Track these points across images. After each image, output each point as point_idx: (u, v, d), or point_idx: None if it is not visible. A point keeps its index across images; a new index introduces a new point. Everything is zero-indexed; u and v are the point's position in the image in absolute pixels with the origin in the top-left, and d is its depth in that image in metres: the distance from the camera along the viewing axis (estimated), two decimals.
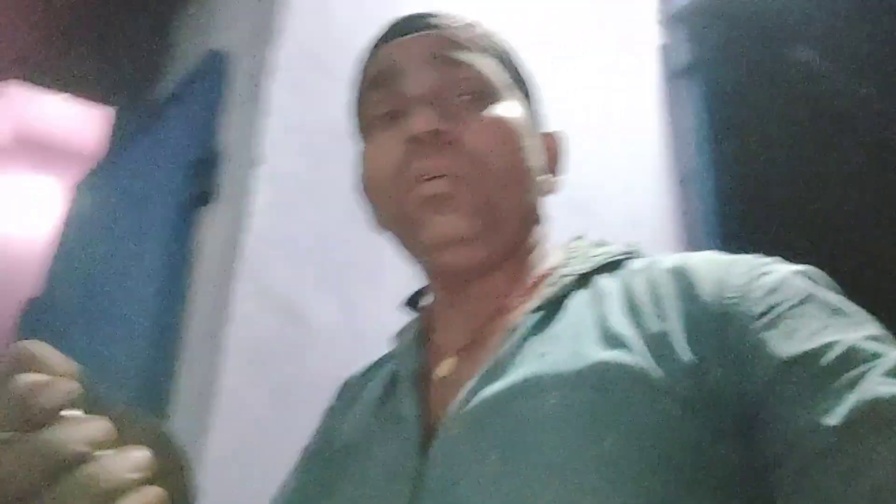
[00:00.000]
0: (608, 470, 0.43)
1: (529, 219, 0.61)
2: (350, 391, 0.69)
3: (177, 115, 1.53)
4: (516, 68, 0.65)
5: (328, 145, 1.12)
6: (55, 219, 2.24)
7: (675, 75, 1.78)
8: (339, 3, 1.23)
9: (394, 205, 0.58)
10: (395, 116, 0.59)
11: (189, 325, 1.17)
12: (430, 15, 0.62)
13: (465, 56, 0.59)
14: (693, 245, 1.55)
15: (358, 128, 0.66)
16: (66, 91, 3.82)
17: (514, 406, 0.48)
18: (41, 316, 1.99)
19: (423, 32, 0.61)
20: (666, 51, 1.81)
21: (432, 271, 0.62)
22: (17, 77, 3.74)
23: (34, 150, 4.32)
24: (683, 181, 1.67)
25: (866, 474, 0.37)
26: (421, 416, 0.54)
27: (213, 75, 1.41)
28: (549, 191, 0.66)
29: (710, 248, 1.55)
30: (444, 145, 0.56)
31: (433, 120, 0.55)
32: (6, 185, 4.20)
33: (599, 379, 0.47)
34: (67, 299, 1.77)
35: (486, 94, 0.59)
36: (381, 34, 0.64)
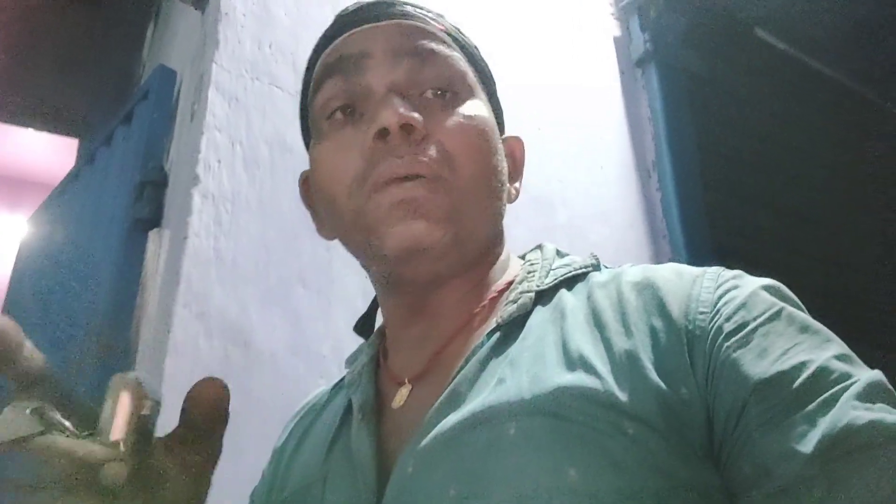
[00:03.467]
0: (572, 498, 0.40)
1: (494, 224, 0.57)
2: (301, 426, 0.65)
3: (126, 135, 1.49)
4: (482, 67, 0.61)
5: (270, 159, 1.08)
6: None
7: (631, 66, 1.76)
8: (281, 12, 1.20)
9: (352, 210, 0.53)
10: (354, 112, 0.55)
11: (138, 355, 1.13)
12: (395, 2, 0.57)
13: (434, 47, 0.55)
14: (657, 237, 1.53)
15: (310, 123, 0.61)
16: (32, 125, 3.77)
17: (472, 437, 0.45)
18: None
19: (391, 20, 0.56)
20: (620, 43, 1.79)
21: (388, 283, 0.57)
22: None
23: (2, 185, 4.26)
24: (646, 172, 1.65)
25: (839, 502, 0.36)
26: (376, 452, 0.51)
27: (160, 93, 1.37)
28: (512, 199, 0.61)
29: (674, 239, 1.52)
30: (416, 143, 0.51)
31: (405, 114, 0.50)
32: None
33: (560, 405, 0.44)
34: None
35: (455, 92, 0.55)
36: (340, 19, 0.59)
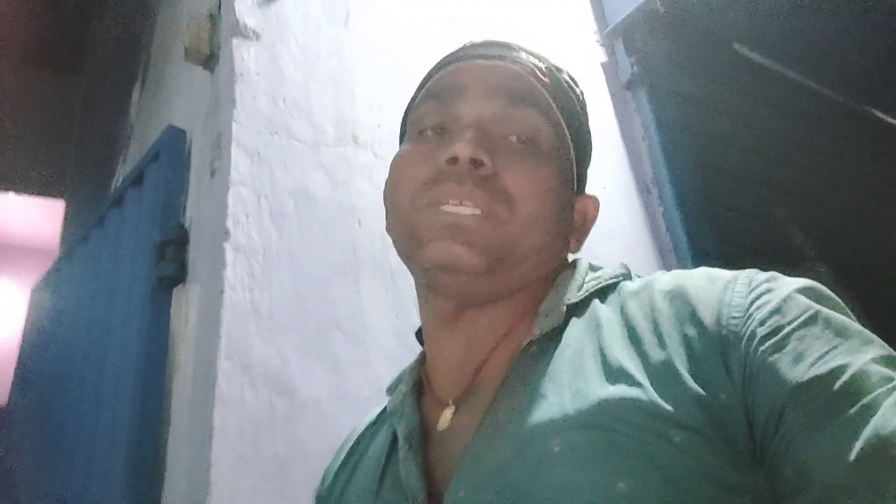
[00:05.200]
0: None
1: (543, 269, 0.59)
2: (346, 466, 0.66)
3: (137, 197, 1.51)
4: (574, 124, 0.62)
5: (295, 211, 1.11)
6: (16, 321, 2.18)
7: (621, 90, 1.83)
8: (291, 67, 1.24)
9: (407, 214, 0.57)
10: (441, 133, 0.58)
11: (174, 412, 1.13)
12: (511, 46, 0.61)
13: (529, 98, 0.58)
14: (665, 251, 1.57)
15: (403, 131, 0.65)
16: (14, 189, 3.75)
17: (519, 457, 0.46)
18: (16, 428, 1.91)
19: (499, 62, 0.59)
20: (609, 67, 1.86)
21: (427, 288, 0.60)
22: None
23: None
24: (646, 189, 1.70)
25: None
26: (424, 478, 0.52)
27: (172, 153, 1.39)
28: (573, 250, 0.64)
29: (680, 253, 1.56)
30: (481, 177, 0.54)
31: (478, 149, 0.54)
32: None
33: (604, 417, 0.45)
34: (38, 403, 1.70)
35: (534, 143, 0.57)
36: (464, 49, 0.63)
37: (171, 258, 1.25)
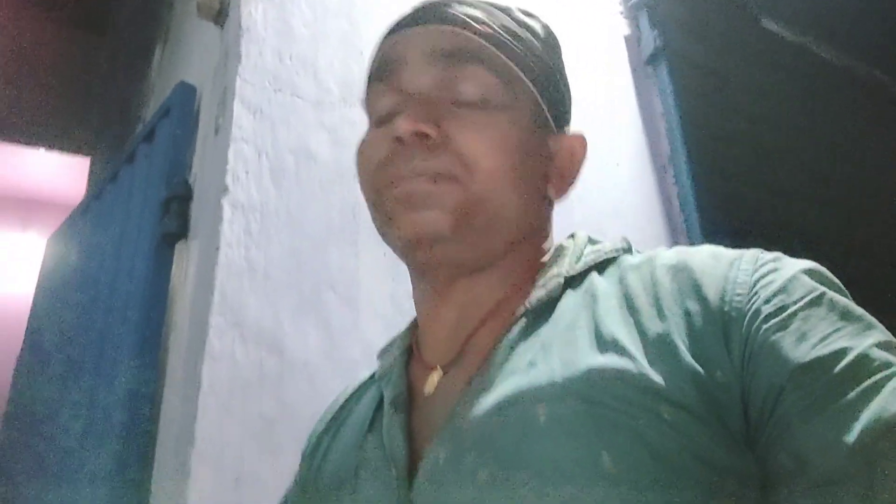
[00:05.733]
0: (607, 487, 0.40)
1: (522, 224, 0.57)
2: (332, 426, 0.66)
3: (148, 153, 1.51)
4: (531, 63, 0.59)
5: (295, 169, 1.10)
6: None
7: (642, 64, 1.77)
8: (300, 24, 1.22)
9: (372, 200, 0.56)
10: (392, 114, 0.57)
11: (168, 364, 1.14)
12: (444, 4, 0.58)
13: (468, 56, 0.56)
14: (676, 231, 1.54)
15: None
16: (42, 145, 3.82)
17: (502, 423, 0.46)
18: (29, 372, 1.96)
19: (432, 25, 0.57)
20: (631, 41, 1.80)
21: (412, 267, 0.59)
22: None
23: (15, 206, 4.30)
24: (661, 167, 1.66)
25: (881, 499, 0.35)
26: (409, 442, 0.52)
27: (182, 109, 1.39)
28: (555, 197, 0.61)
29: (692, 233, 1.53)
30: (430, 147, 0.53)
31: (418, 122, 0.52)
32: None
33: (591, 388, 0.43)
34: (50, 350, 1.73)
35: (483, 98, 0.55)
36: (398, 21, 0.61)
37: (175, 214, 1.25)
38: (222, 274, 0.98)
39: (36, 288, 2.08)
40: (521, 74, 0.58)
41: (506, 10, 0.60)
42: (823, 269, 0.48)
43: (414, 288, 0.63)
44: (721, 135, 1.69)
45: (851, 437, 0.37)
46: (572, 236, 0.61)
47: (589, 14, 1.76)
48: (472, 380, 0.50)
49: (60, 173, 4.14)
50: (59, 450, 1.39)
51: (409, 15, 0.59)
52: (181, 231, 1.24)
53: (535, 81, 0.59)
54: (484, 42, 0.57)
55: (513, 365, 0.49)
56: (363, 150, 0.58)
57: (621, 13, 1.83)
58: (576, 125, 1.71)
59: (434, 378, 0.56)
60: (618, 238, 0.59)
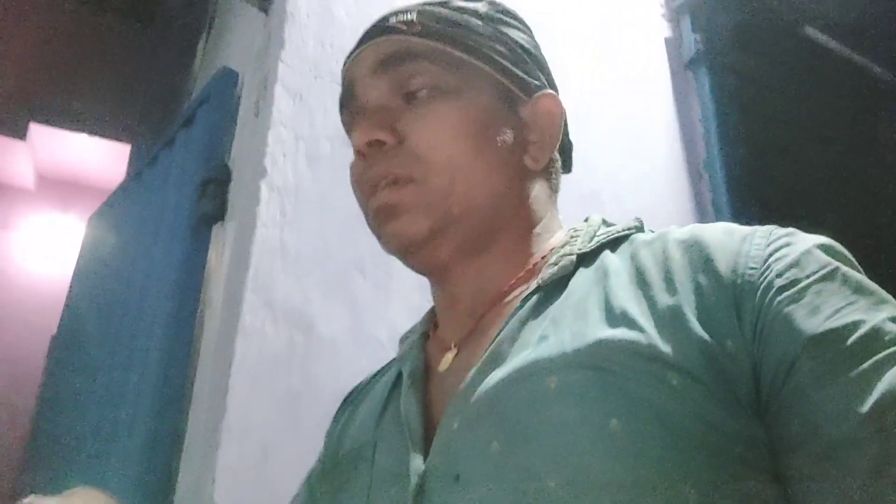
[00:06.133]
0: (616, 451, 0.41)
1: (502, 203, 0.58)
2: (352, 405, 0.68)
3: (187, 137, 1.55)
4: (482, 37, 0.59)
5: (331, 154, 1.12)
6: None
7: (682, 68, 1.76)
8: (342, 12, 1.24)
9: (365, 215, 0.60)
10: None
11: (202, 341, 1.17)
12: (382, 19, 0.61)
13: (405, 57, 0.58)
14: None
15: None
16: (86, 130, 3.93)
17: (514, 392, 0.47)
18: (62, 351, 2.02)
19: (372, 41, 0.60)
20: (671, 44, 1.79)
21: (414, 271, 0.62)
22: (37, 119, 3.86)
23: (57, 189, 4.43)
24: (697, 173, 1.64)
25: (891, 467, 0.36)
26: (424, 413, 0.53)
27: (223, 94, 1.42)
28: (535, 166, 0.61)
29: None
30: (388, 153, 0.55)
31: (368, 132, 0.56)
32: (32, 226, 4.30)
33: (601, 358, 0.44)
34: (86, 331, 1.78)
35: (429, 91, 0.57)
36: (349, 51, 0.64)
37: (212, 196, 1.28)
38: (257, 253, 1.00)
39: (74, 268, 2.14)
40: (466, 57, 0.58)
41: (441, 3, 0.61)
42: (837, 245, 0.48)
43: (430, 284, 0.65)
44: (759, 143, 1.67)
45: (864, 406, 0.37)
46: (587, 219, 0.62)
47: (630, 14, 1.76)
48: (485, 354, 0.52)
49: (102, 159, 4.25)
50: (93, 424, 1.43)
51: (358, 41, 0.62)
52: (219, 213, 1.27)
53: (484, 59, 0.59)
54: (420, 39, 0.58)
55: (524, 340, 0.50)
56: (350, 169, 0.62)
57: (663, 15, 1.82)
58: (612, 125, 1.70)
59: (449, 356, 0.57)
60: (631, 218, 0.59)
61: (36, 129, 3.94)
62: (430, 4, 0.61)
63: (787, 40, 1.86)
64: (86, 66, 3.75)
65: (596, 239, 0.57)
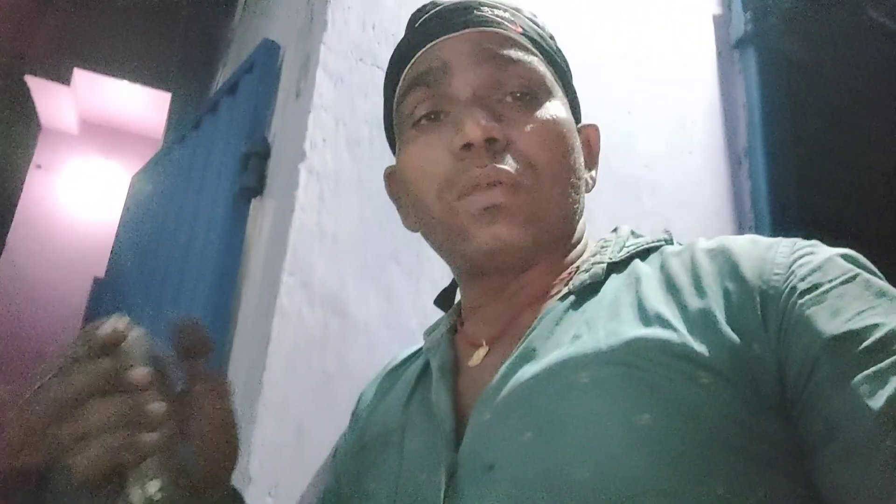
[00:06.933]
0: (645, 444, 0.43)
1: (573, 217, 0.61)
2: (381, 388, 0.71)
3: (231, 105, 1.57)
4: (558, 61, 0.63)
5: (370, 139, 1.13)
6: (119, 202, 2.36)
7: (729, 48, 1.71)
8: None
9: (439, 211, 0.58)
10: (436, 118, 0.59)
11: (238, 316, 1.22)
12: (473, 7, 0.60)
13: (513, 53, 0.58)
14: (743, 230, 1.50)
15: (395, 130, 0.66)
16: (127, 77, 3.97)
17: (546, 386, 0.49)
18: (106, 295, 2.11)
19: (469, 29, 0.59)
20: (720, 21, 1.73)
21: (472, 273, 0.62)
22: (81, 65, 3.91)
23: (100, 135, 4.52)
24: (737, 160, 1.61)
25: None
26: (454, 405, 0.55)
27: (265, 66, 1.43)
28: (589, 188, 0.65)
29: (762, 232, 1.49)
30: (497, 151, 0.55)
31: (487, 127, 0.54)
32: (75, 170, 4.41)
33: (634, 355, 0.46)
34: (129, 282, 1.86)
35: (535, 95, 0.58)
36: (418, 29, 0.62)
37: (253, 170, 1.31)
38: (295, 236, 1.03)
39: (118, 225, 2.22)
40: (552, 68, 0.61)
41: (521, 11, 0.63)
42: (859, 255, 0.50)
43: (461, 284, 0.67)
44: (805, 134, 1.62)
45: (878, 403, 0.38)
46: (615, 230, 0.64)
47: None
48: (517, 351, 0.53)
49: (142, 106, 4.31)
50: None
51: (437, 20, 0.61)
52: (258, 187, 1.30)
53: (562, 78, 0.62)
54: (521, 38, 0.59)
55: (557, 338, 0.52)
56: (416, 161, 0.59)
57: None
58: (652, 107, 1.67)
59: (480, 353, 0.60)
60: (660, 230, 0.62)
61: (80, 75, 4.00)
62: (512, 9, 0.62)
63: (847, 23, 1.78)
64: (126, 13, 3.76)
65: (626, 249, 0.59)
